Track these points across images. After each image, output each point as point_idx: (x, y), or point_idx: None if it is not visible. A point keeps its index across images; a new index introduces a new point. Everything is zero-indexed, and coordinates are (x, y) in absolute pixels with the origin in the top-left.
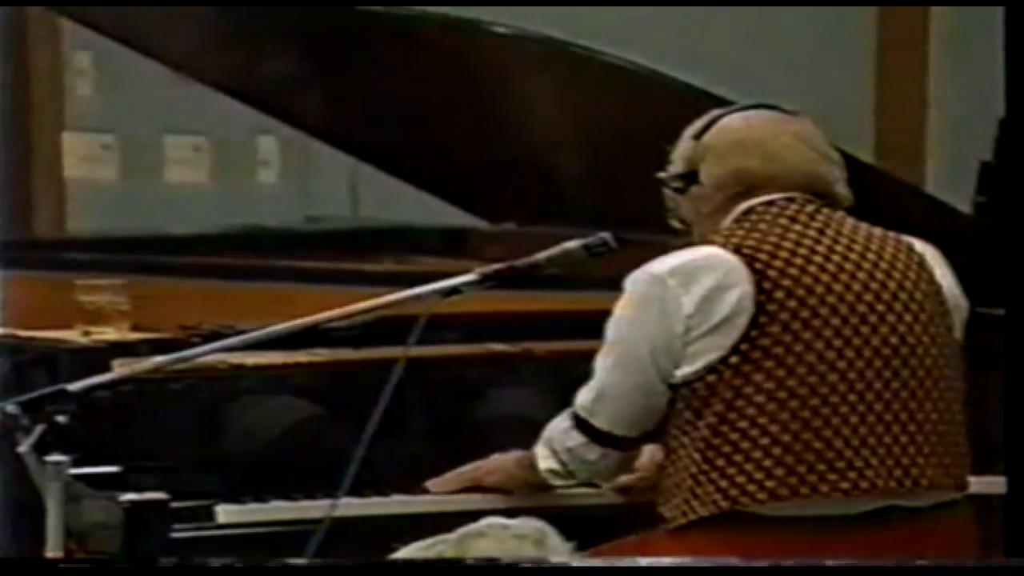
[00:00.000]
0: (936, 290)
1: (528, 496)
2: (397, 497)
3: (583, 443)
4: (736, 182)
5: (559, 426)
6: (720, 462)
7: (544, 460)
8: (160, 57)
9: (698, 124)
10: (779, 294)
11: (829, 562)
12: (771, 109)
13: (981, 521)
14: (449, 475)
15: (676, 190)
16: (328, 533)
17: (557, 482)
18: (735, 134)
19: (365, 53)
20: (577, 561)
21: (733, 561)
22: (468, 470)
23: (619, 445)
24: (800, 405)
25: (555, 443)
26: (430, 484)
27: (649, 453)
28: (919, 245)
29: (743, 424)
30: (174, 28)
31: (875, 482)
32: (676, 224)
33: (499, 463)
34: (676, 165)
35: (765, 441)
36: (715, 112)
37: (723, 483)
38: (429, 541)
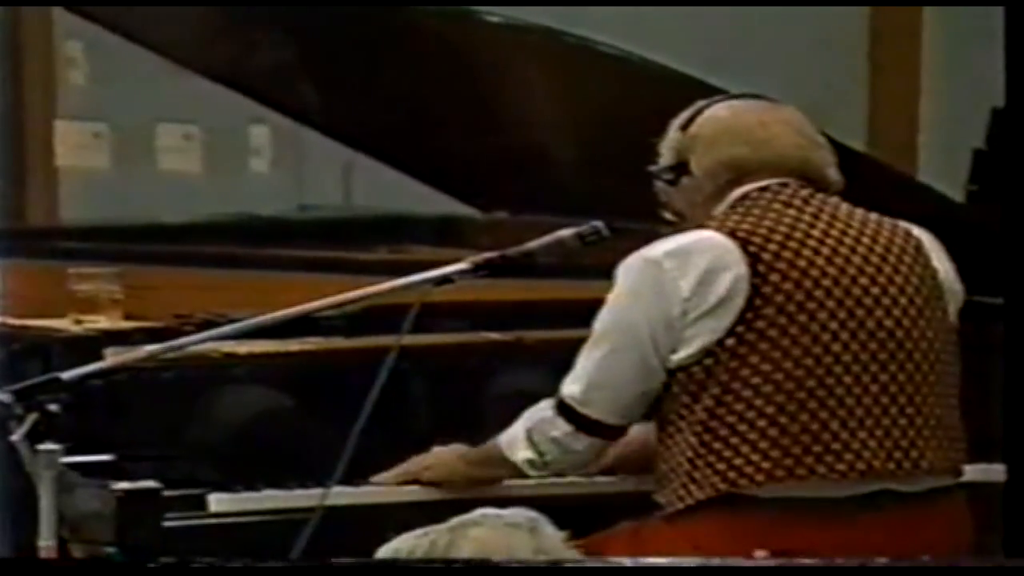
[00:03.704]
0: (932, 274)
1: (522, 486)
2: (389, 486)
3: (569, 432)
4: (727, 170)
5: (541, 416)
6: (717, 445)
7: (522, 451)
8: (152, 46)
9: (684, 116)
10: (774, 277)
11: (829, 562)
12: (755, 98)
13: (976, 509)
14: (390, 471)
15: (667, 182)
16: (321, 522)
17: (532, 472)
18: (723, 123)
19: (357, 42)
20: (572, 561)
21: (731, 561)
22: (407, 465)
23: (607, 434)
24: (796, 387)
25: (535, 433)
26: (374, 479)
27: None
28: (916, 231)
29: (740, 406)
30: (167, 17)
31: (872, 464)
32: (670, 216)
33: (438, 458)
34: (665, 157)
35: (762, 423)
36: (700, 103)
37: (720, 466)
38: (422, 531)
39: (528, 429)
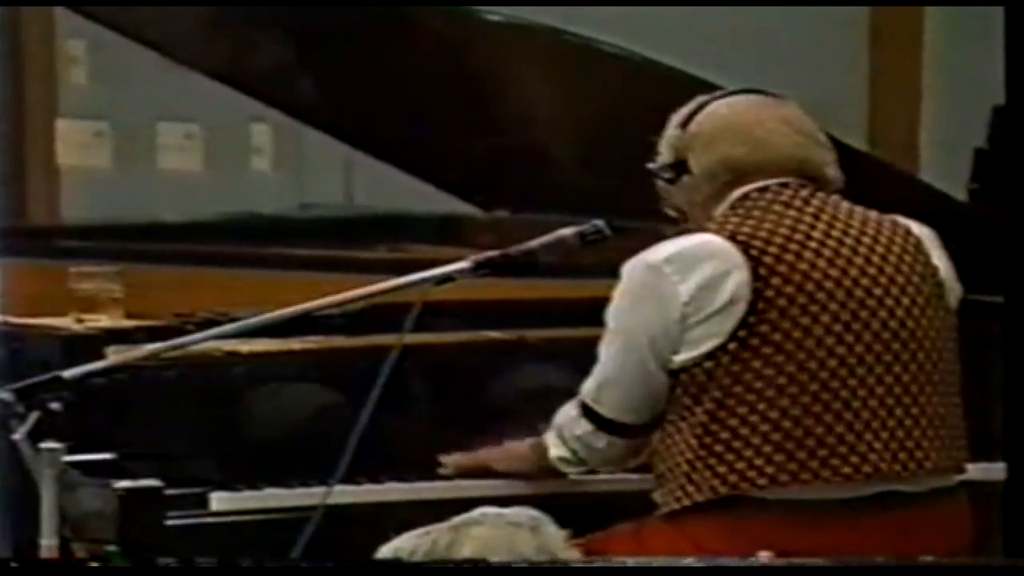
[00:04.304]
0: (933, 272)
1: (524, 484)
2: (391, 485)
3: (590, 431)
4: (725, 170)
5: (567, 414)
6: (718, 448)
7: (555, 448)
8: (153, 45)
9: (683, 112)
10: (776, 280)
11: (829, 562)
12: (757, 93)
13: (976, 508)
14: (463, 455)
15: (667, 180)
16: (322, 521)
17: (569, 469)
18: (721, 121)
19: (358, 41)
20: (572, 561)
21: (731, 561)
22: (483, 454)
23: (625, 433)
24: (800, 391)
25: (564, 431)
26: (444, 459)
27: None
28: (915, 227)
29: (742, 410)
30: (168, 16)
31: (878, 466)
32: (672, 213)
33: (511, 451)
34: (664, 155)
35: (765, 428)
36: (700, 99)
37: (721, 469)
38: (423, 529)
39: (559, 426)
